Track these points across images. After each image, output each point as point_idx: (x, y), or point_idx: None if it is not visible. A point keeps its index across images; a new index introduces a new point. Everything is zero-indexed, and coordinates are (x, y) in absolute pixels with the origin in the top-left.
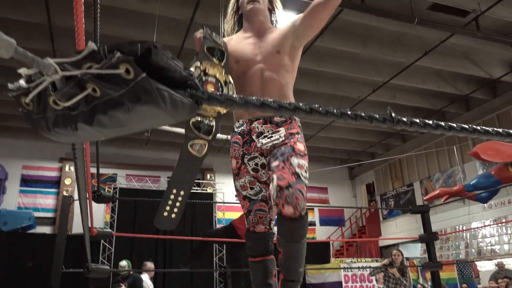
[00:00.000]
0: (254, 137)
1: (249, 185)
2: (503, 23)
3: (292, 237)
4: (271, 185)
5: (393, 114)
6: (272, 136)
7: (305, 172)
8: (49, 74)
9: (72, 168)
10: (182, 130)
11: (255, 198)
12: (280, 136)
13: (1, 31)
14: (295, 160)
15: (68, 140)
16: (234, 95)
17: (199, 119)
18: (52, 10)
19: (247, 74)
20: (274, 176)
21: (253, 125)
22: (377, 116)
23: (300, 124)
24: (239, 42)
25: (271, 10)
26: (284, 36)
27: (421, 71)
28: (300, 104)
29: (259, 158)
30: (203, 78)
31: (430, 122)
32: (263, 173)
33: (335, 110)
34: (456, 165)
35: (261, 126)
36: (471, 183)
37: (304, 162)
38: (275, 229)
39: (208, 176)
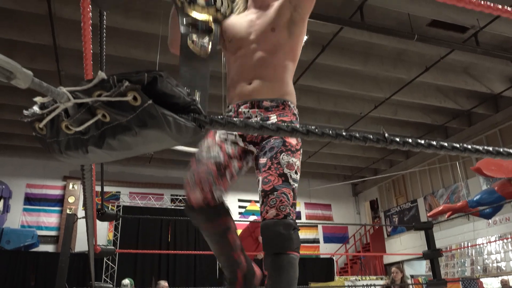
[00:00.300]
0: None
1: (206, 148)
2: (502, 38)
3: (276, 244)
4: (258, 188)
5: (386, 134)
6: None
7: (295, 173)
8: (62, 102)
9: (76, 186)
10: (190, 149)
11: (205, 161)
12: None
13: (18, 64)
14: (284, 158)
15: (78, 162)
16: (235, 119)
17: (194, 20)
18: (57, 32)
19: (239, 55)
20: (260, 178)
21: (240, 109)
22: (371, 136)
23: (296, 111)
24: (237, 19)
25: None
26: (279, 10)
27: (422, 87)
28: (298, 126)
29: (236, 137)
30: None
31: (422, 141)
32: (230, 146)
33: (330, 131)
34: (460, 181)
35: (248, 111)
36: (475, 199)
37: (295, 160)
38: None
39: None
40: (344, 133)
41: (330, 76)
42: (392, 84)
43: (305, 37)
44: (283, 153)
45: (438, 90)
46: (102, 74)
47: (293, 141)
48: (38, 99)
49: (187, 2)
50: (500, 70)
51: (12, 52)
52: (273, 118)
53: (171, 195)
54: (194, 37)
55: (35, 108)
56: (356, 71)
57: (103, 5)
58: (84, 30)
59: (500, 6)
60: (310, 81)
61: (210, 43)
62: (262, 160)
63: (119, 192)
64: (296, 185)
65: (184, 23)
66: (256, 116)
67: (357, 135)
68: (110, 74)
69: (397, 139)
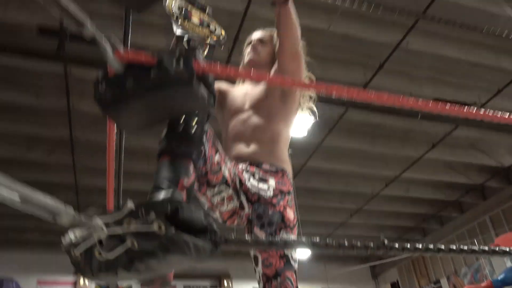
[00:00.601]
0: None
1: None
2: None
3: None
4: (256, 267)
5: (385, 242)
6: (259, 183)
7: (295, 251)
8: (97, 232)
9: (87, 283)
10: None
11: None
12: (268, 189)
13: (65, 205)
14: (284, 237)
15: (108, 282)
16: (246, 238)
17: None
18: (74, 124)
19: (235, 120)
20: (259, 258)
21: (238, 164)
22: (371, 244)
23: (292, 182)
24: (234, 90)
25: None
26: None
27: (432, 163)
28: (303, 239)
29: (235, 174)
30: (188, 8)
31: (420, 246)
32: (232, 181)
33: (333, 242)
34: (482, 258)
35: (247, 167)
36: (499, 278)
37: (294, 238)
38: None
39: (225, 283)
40: (346, 244)
41: (338, 156)
42: (401, 162)
43: (312, 120)
44: (283, 230)
45: (448, 166)
46: (131, 205)
47: (290, 215)
48: (77, 231)
49: (182, 18)
50: (508, 143)
51: (30, 146)
52: (272, 182)
53: (184, 286)
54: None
55: (71, 236)
56: (365, 151)
57: (127, 129)
58: (109, 171)
59: (475, 111)
60: (319, 163)
61: (208, 45)
62: (260, 234)
63: (131, 286)
64: (296, 265)
65: (178, 33)
66: (254, 173)
67: (359, 244)
68: (136, 200)
69: (396, 245)
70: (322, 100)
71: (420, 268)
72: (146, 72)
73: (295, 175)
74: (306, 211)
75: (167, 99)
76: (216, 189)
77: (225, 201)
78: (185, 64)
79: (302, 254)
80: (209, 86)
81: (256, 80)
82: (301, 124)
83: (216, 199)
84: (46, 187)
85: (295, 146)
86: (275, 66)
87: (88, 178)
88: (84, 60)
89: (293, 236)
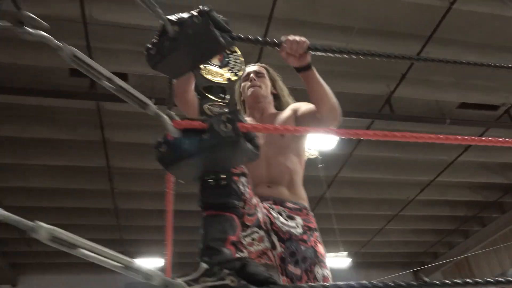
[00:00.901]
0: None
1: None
2: None
3: None
4: None
5: (426, 280)
6: (287, 220)
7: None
8: None
9: None
10: None
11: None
12: (297, 226)
13: (154, 270)
14: (319, 272)
15: None
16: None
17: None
18: (109, 155)
19: None
20: None
21: (263, 203)
22: (414, 283)
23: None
24: None
25: (276, 94)
26: (286, 122)
27: (466, 165)
28: (353, 283)
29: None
30: None
31: (460, 281)
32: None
33: (377, 283)
34: None
35: (271, 206)
36: None
37: (328, 272)
38: None
39: None
40: (391, 284)
41: (370, 165)
42: (434, 167)
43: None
44: (317, 266)
45: (484, 167)
46: (205, 266)
47: (322, 250)
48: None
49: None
50: None
51: (71, 176)
52: (299, 220)
53: None
54: (210, 104)
55: None
56: (396, 158)
57: (185, 180)
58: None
59: (468, 138)
60: (351, 173)
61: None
62: (295, 271)
63: None
64: None
65: (199, 86)
66: (279, 212)
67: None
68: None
69: (437, 282)
70: (349, 115)
71: (465, 272)
72: (200, 135)
73: (328, 186)
74: (341, 220)
75: (219, 156)
76: (249, 230)
77: (255, 242)
78: (232, 127)
79: (342, 262)
80: (252, 140)
81: (292, 133)
82: (328, 137)
83: (247, 240)
84: (88, 212)
85: (325, 159)
86: (305, 115)
87: (126, 202)
88: (115, 95)
89: (328, 272)
